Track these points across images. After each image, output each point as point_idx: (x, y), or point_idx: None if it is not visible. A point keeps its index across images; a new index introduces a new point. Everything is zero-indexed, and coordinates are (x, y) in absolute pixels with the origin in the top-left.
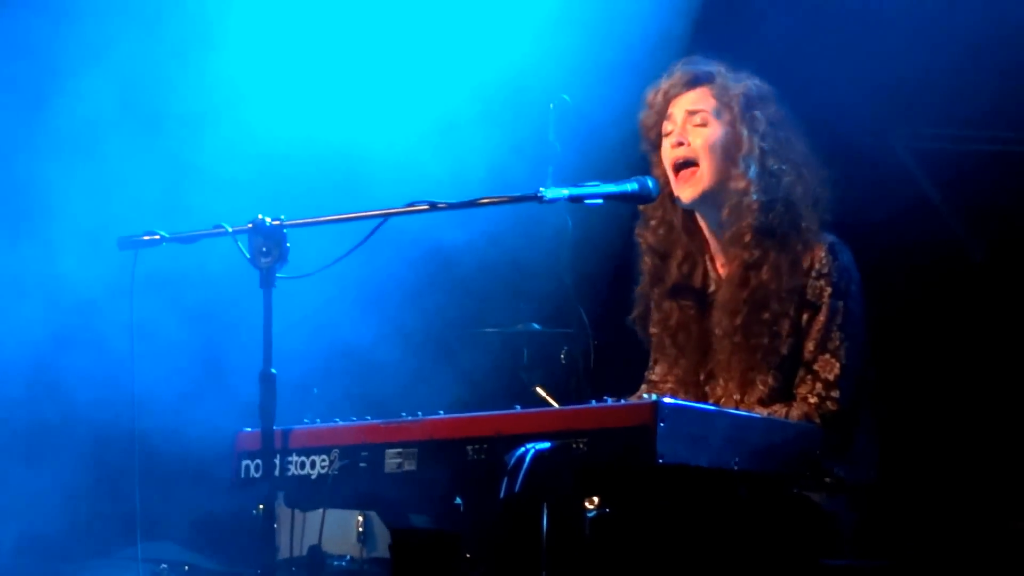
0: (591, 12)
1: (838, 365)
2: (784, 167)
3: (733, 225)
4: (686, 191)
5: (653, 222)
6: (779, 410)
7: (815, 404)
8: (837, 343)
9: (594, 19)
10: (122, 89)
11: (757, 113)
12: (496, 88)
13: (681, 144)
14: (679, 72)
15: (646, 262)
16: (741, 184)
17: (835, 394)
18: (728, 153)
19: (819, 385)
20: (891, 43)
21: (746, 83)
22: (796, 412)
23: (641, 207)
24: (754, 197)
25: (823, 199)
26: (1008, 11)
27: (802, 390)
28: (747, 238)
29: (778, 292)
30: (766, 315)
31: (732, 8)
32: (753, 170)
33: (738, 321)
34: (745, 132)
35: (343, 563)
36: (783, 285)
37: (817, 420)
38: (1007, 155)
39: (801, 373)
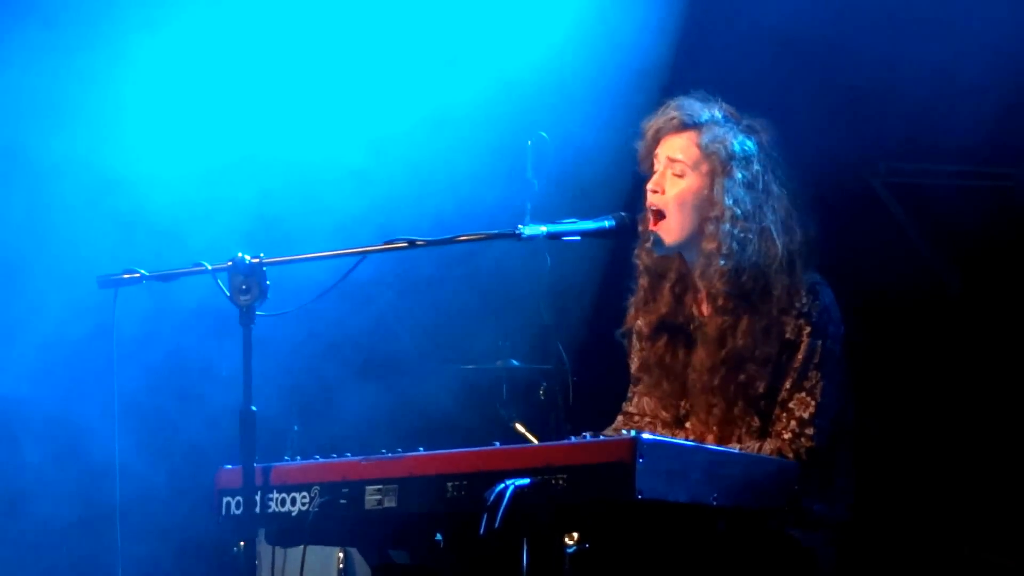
0: (569, 50)
1: (813, 403)
2: (751, 236)
3: (707, 282)
4: (657, 239)
5: (648, 244)
6: (752, 446)
7: (788, 440)
8: (813, 382)
9: (572, 56)
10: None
11: (736, 173)
12: (474, 125)
13: (656, 192)
14: (673, 112)
15: (642, 283)
16: (711, 246)
17: (809, 431)
18: (700, 210)
19: (793, 423)
20: (868, 78)
21: (731, 137)
22: (768, 447)
23: (640, 229)
24: (722, 263)
25: (800, 259)
26: (984, 46)
27: (777, 427)
28: (720, 301)
29: (753, 357)
30: (742, 377)
31: (710, 45)
32: (722, 234)
33: (716, 381)
34: (719, 194)
35: None
36: (758, 352)
37: (790, 456)
38: (983, 189)
39: (777, 411)
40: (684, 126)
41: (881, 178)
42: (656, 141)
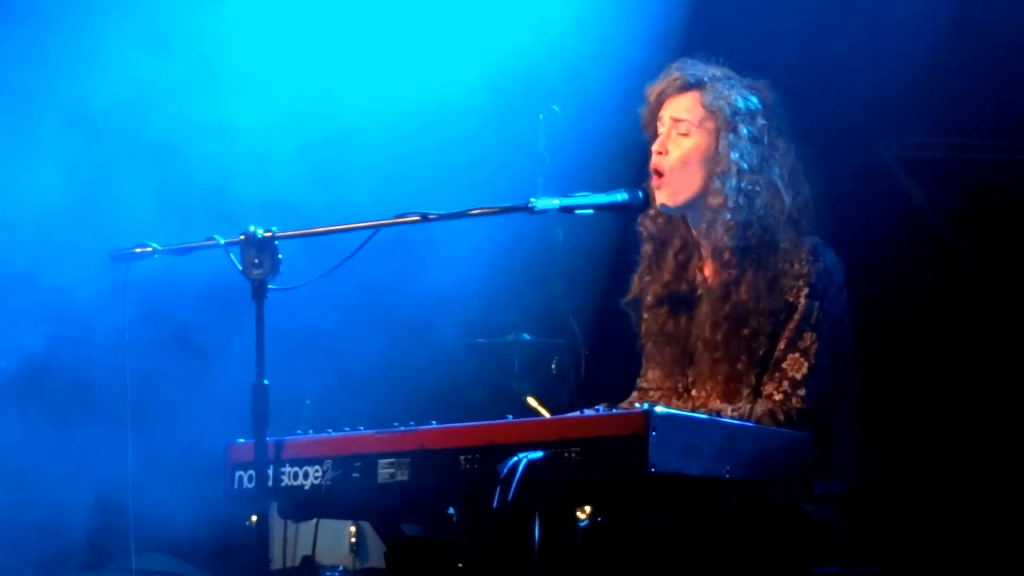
0: (580, 23)
1: (806, 364)
2: (759, 188)
3: (712, 240)
4: (659, 198)
5: (652, 211)
6: (743, 407)
7: (779, 402)
8: (808, 343)
9: (584, 30)
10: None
11: (741, 128)
12: (486, 99)
13: (660, 153)
14: (675, 73)
15: (646, 250)
16: (717, 201)
17: (801, 392)
18: (706, 167)
19: (785, 383)
20: (880, 52)
21: (735, 94)
22: (759, 409)
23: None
24: (728, 217)
25: (806, 216)
26: (996, 21)
27: (768, 387)
28: (726, 256)
29: (757, 310)
30: (745, 331)
31: (722, 19)
32: (728, 188)
33: (719, 337)
34: (724, 149)
35: (336, 574)
36: (762, 304)
37: (781, 417)
38: (994, 163)
39: (770, 371)
40: (688, 86)
41: (893, 152)
42: (660, 104)
